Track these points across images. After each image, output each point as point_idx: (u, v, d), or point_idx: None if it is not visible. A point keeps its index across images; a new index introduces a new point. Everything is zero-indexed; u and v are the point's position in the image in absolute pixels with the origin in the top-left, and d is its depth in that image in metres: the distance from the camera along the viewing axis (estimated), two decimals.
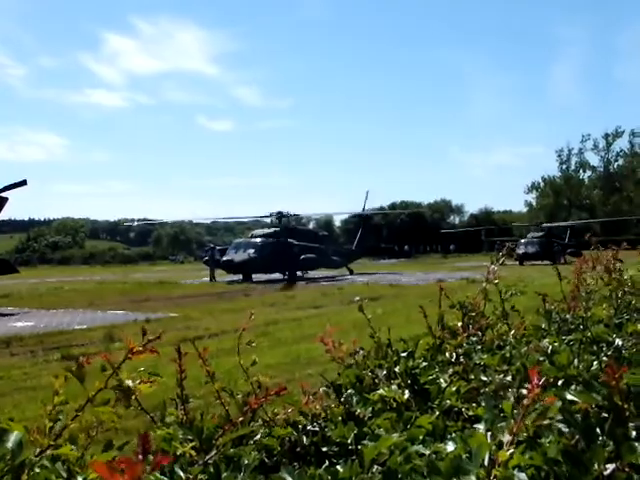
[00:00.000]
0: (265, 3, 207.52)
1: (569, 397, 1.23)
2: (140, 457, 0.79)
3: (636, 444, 1.02)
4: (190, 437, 1.37)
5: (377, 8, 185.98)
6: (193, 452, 1.37)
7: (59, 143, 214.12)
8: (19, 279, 35.74)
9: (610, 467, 1.07)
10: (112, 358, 1.49)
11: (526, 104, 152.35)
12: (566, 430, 1.12)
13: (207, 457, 1.27)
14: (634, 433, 1.04)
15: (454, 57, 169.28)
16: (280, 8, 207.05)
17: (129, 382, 1.44)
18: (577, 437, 1.07)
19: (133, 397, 1.54)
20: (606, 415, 1.11)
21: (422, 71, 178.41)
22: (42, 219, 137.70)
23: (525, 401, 1.11)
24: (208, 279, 38.46)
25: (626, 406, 1.08)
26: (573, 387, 1.85)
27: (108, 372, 1.52)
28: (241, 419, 1.47)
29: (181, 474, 1.26)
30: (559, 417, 1.16)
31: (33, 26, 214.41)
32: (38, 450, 1.19)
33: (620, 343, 2.26)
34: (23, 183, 25.44)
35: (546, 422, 1.15)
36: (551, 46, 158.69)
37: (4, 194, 25.30)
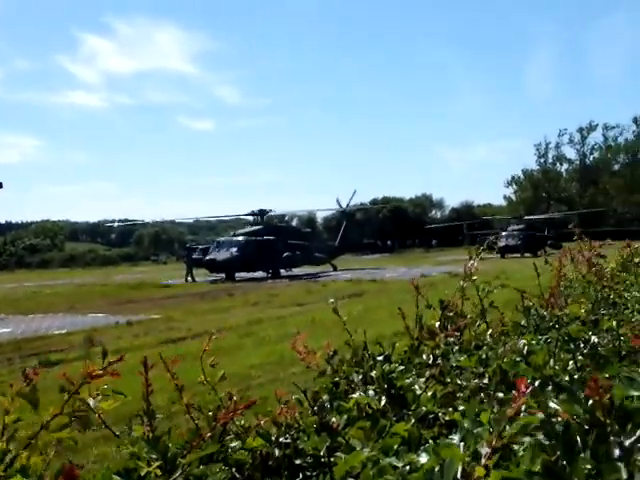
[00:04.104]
0: (244, 3, 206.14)
1: (552, 406, 1.19)
2: None
3: (618, 464, 0.98)
4: (154, 456, 1.31)
5: (357, 6, 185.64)
6: (159, 472, 1.31)
7: (36, 145, 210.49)
8: None
9: None
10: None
11: (504, 100, 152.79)
12: (546, 443, 1.07)
13: (170, 478, 1.22)
14: (617, 451, 1.00)
15: (433, 54, 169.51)
16: (258, 7, 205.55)
17: (90, 401, 1.39)
18: (558, 453, 1.03)
19: (96, 415, 1.49)
20: (587, 427, 1.07)
21: (401, 68, 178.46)
22: (20, 222, 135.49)
23: (508, 411, 1.07)
24: (184, 279, 38.00)
25: (609, 421, 1.03)
26: (550, 388, 1.83)
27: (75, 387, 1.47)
28: (209, 434, 1.42)
29: None
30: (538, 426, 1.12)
31: (6, 29, 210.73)
32: None
33: (596, 341, 2.24)
34: None
35: (526, 440, 1.11)
36: (526, 43, 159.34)
37: None
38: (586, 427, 1.06)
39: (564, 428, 1.11)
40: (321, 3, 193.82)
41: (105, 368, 1.24)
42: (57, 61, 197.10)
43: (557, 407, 1.27)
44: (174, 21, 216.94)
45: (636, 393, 1.12)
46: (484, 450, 1.17)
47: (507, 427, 1.21)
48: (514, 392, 1.22)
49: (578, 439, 1.04)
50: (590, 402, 1.08)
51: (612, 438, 1.01)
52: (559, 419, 1.22)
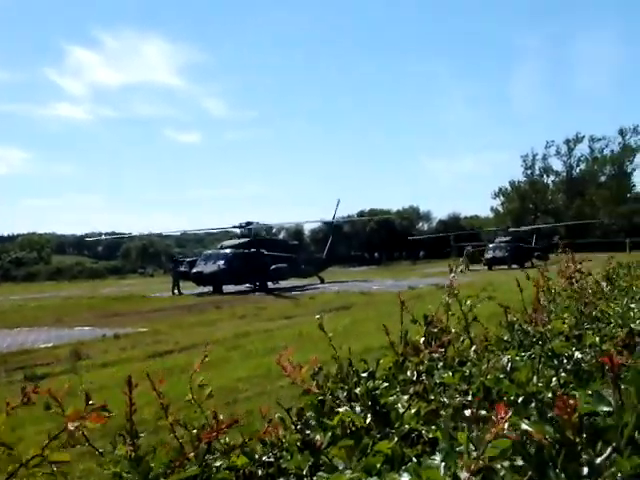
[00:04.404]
0: (230, 15, 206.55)
1: (524, 427, 1.20)
2: None
3: None
4: (136, 477, 1.31)
5: (344, 17, 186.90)
6: None
7: (23, 157, 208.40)
8: None
9: None
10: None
11: (491, 112, 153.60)
12: (519, 463, 1.09)
13: None
14: (586, 469, 1.02)
15: (420, 66, 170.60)
16: (245, 19, 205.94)
17: (72, 426, 1.38)
18: (530, 473, 1.04)
19: (79, 433, 1.49)
20: (559, 447, 1.09)
21: (388, 80, 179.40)
22: (6, 235, 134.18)
23: (487, 436, 1.08)
24: (171, 292, 37.79)
25: (578, 440, 1.05)
26: (533, 405, 1.84)
27: (53, 409, 1.47)
28: (192, 454, 1.42)
29: None
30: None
31: None
32: None
33: (579, 356, 2.25)
34: None
35: (500, 461, 1.12)
36: (513, 55, 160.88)
37: None
38: (557, 447, 1.08)
39: (537, 448, 1.12)
40: (308, 15, 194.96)
41: (87, 414, 1.23)
42: (44, 73, 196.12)
43: (529, 428, 1.28)
44: (161, 33, 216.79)
45: (605, 409, 1.14)
46: (463, 475, 1.18)
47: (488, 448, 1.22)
48: (493, 417, 1.22)
49: (551, 459, 1.05)
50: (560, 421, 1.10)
51: (583, 456, 1.03)
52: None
